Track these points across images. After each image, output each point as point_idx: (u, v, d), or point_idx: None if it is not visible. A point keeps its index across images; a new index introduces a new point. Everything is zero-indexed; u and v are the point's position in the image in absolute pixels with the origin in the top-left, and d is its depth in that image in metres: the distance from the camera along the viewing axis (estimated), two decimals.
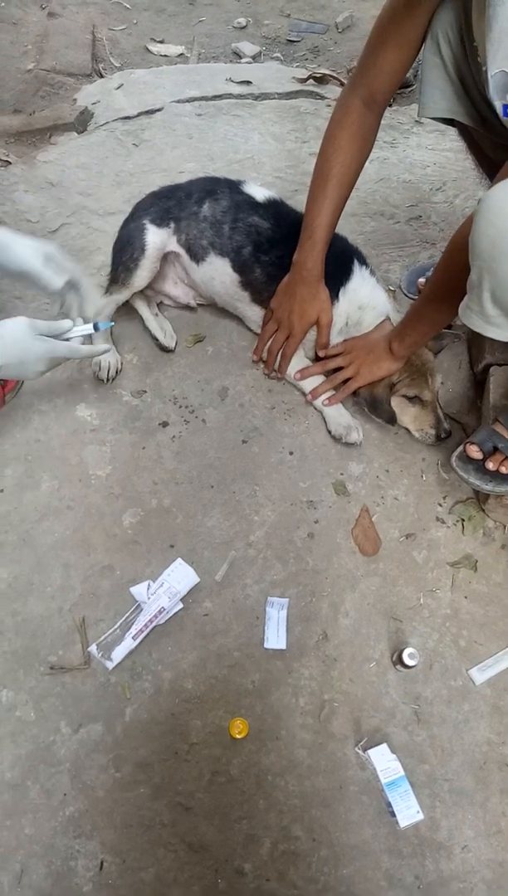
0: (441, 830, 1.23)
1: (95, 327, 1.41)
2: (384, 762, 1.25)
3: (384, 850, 1.21)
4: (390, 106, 2.48)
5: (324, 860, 1.20)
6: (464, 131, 1.51)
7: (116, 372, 1.72)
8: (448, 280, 1.22)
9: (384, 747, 1.26)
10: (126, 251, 1.66)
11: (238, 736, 1.29)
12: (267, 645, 1.38)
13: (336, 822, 1.23)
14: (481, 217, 1.02)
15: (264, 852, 1.20)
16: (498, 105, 1.21)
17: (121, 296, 1.69)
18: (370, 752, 1.26)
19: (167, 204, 1.70)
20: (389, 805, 1.22)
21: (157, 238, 1.65)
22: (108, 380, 1.70)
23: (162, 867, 1.19)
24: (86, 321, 1.42)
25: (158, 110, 2.47)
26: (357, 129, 1.44)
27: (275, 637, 1.39)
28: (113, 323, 1.55)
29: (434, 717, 1.33)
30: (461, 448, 1.47)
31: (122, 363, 1.74)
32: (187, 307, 1.84)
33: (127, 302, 1.77)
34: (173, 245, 1.69)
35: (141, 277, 1.66)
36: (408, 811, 1.21)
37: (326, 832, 1.22)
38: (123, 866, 1.18)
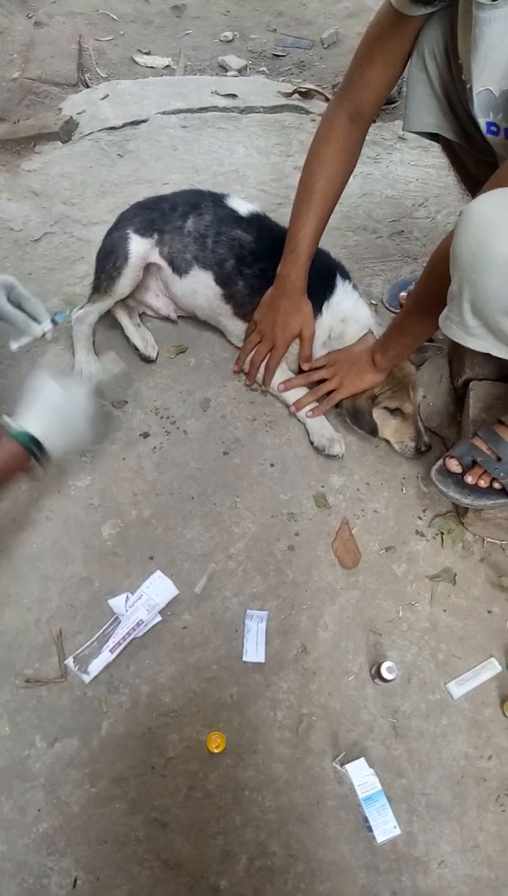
0: (419, 845, 1.22)
1: (54, 322, 1.44)
2: (362, 777, 1.24)
3: (361, 866, 1.20)
4: (374, 122, 2.52)
5: (301, 876, 1.19)
6: (448, 147, 1.54)
7: (99, 380, 1.71)
8: (430, 293, 1.23)
9: (361, 762, 1.26)
10: (109, 260, 1.66)
11: (216, 750, 1.28)
12: (246, 658, 1.38)
13: (313, 838, 1.22)
14: (462, 228, 1.03)
15: (240, 868, 1.19)
16: (482, 122, 1.23)
17: (103, 304, 1.70)
18: (348, 766, 1.25)
19: (151, 215, 1.70)
20: (366, 820, 1.22)
21: (140, 247, 1.65)
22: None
23: (136, 884, 1.17)
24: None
25: (144, 121, 2.48)
26: (343, 144, 1.46)
27: (254, 650, 1.38)
28: (67, 313, 1.56)
29: (412, 731, 1.33)
30: (440, 462, 1.48)
31: (102, 372, 1.73)
32: (168, 319, 1.84)
33: (109, 313, 1.77)
34: (156, 257, 1.69)
35: (123, 286, 1.66)
36: (385, 826, 1.21)
37: (303, 847, 1.21)
38: (97, 884, 1.16)
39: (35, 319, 1.43)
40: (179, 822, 1.22)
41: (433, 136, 1.48)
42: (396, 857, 1.21)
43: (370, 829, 1.21)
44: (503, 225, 0.98)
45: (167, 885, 1.17)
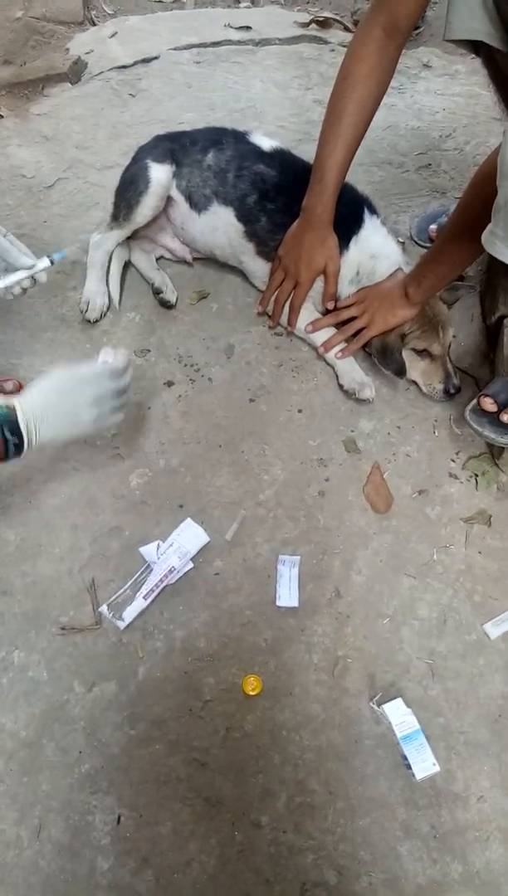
0: (457, 782, 1.23)
1: (51, 260, 1.38)
2: (399, 716, 1.24)
3: (400, 802, 1.21)
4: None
5: (340, 812, 1.20)
6: (489, 59, 1.43)
7: (103, 314, 1.69)
8: (470, 216, 1.16)
9: (398, 702, 1.26)
10: (129, 189, 1.63)
11: (252, 693, 1.28)
12: (279, 603, 1.37)
13: (352, 776, 1.23)
14: None
15: (280, 805, 1.21)
16: None
17: (122, 231, 1.67)
18: (385, 706, 1.25)
19: (171, 146, 1.65)
20: (404, 758, 1.22)
21: (162, 175, 1.61)
22: (95, 320, 1.68)
23: (179, 821, 1.19)
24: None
25: (155, 59, 2.37)
26: (376, 62, 1.36)
27: (287, 595, 1.37)
28: (66, 252, 1.44)
29: (449, 671, 1.32)
30: (475, 401, 1.43)
31: (109, 305, 1.71)
32: (184, 261, 1.78)
33: (127, 262, 1.73)
34: (173, 191, 1.64)
35: (142, 214, 1.63)
36: (424, 763, 1.21)
37: (342, 785, 1.22)
38: (140, 820, 1.19)
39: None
40: (218, 762, 1.24)
41: (474, 49, 1.38)
42: (435, 793, 1.22)
43: (408, 766, 1.21)
44: None
45: (209, 822, 1.19)
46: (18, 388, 1.52)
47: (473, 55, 1.48)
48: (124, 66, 2.34)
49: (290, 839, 1.18)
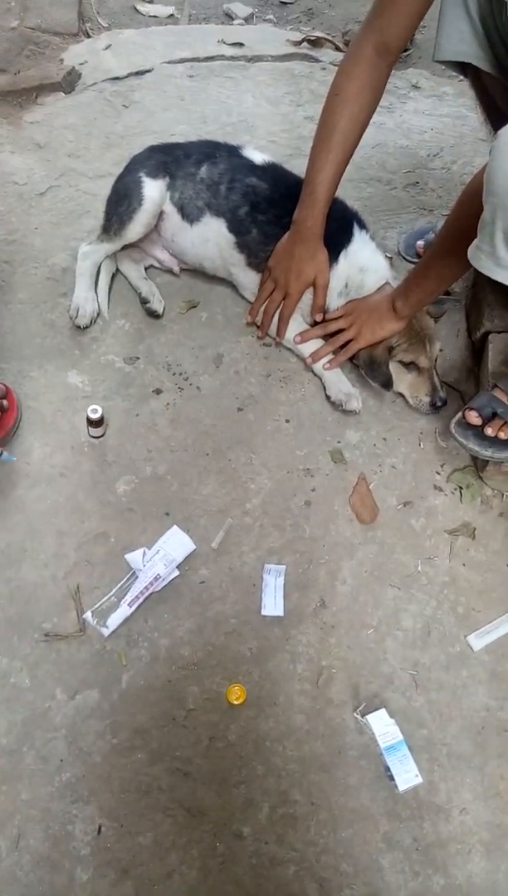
0: (440, 793, 1.23)
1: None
2: (383, 727, 1.24)
3: (383, 813, 1.21)
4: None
5: (323, 823, 1.20)
6: (476, 80, 1.47)
7: (93, 321, 1.69)
8: (458, 232, 1.18)
9: (382, 712, 1.26)
10: (122, 203, 1.62)
11: (236, 702, 1.28)
12: (264, 612, 1.37)
13: (335, 787, 1.23)
14: (498, 151, 0.98)
15: (262, 816, 1.20)
16: None
17: (111, 245, 1.66)
18: (369, 717, 1.25)
19: (165, 159, 1.66)
20: (387, 769, 1.22)
21: (155, 192, 1.61)
22: (85, 326, 1.68)
23: (160, 831, 1.18)
24: None
25: (148, 71, 2.39)
26: (367, 81, 1.39)
27: (272, 604, 1.37)
28: (14, 458, 1.48)
29: (433, 682, 1.33)
30: (460, 414, 1.45)
31: (100, 312, 1.70)
32: (171, 272, 1.79)
33: (116, 271, 1.74)
34: (166, 203, 1.64)
35: (134, 231, 1.63)
36: (407, 775, 1.21)
37: (324, 796, 1.22)
38: (121, 830, 1.17)
39: None
40: (201, 772, 1.23)
41: (462, 70, 1.41)
42: (417, 805, 1.22)
43: (391, 777, 1.21)
44: None
45: (191, 832, 1.18)
46: (6, 394, 1.51)
47: (461, 76, 1.52)
48: (118, 78, 2.35)
49: (272, 850, 1.17)
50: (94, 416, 1.48)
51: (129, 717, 1.26)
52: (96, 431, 1.52)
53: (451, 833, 1.20)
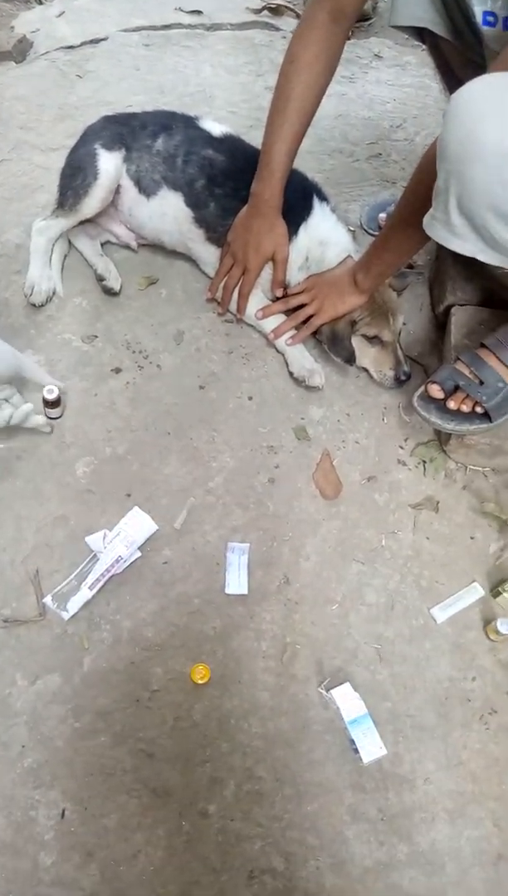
0: (404, 764, 1.24)
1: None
2: (347, 701, 1.24)
3: (348, 786, 1.22)
4: (348, 39, 2.38)
5: (288, 798, 1.20)
6: (434, 48, 1.44)
7: (49, 299, 1.64)
8: (416, 202, 1.16)
9: (346, 686, 1.26)
10: (77, 177, 1.57)
11: (200, 681, 1.27)
12: (228, 590, 1.36)
13: (300, 762, 1.23)
14: (450, 117, 0.96)
15: (228, 794, 1.20)
16: (478, 11, 1.15)
17: (67, 221, 1.61)
18: (333, 691, 1.25)
19: (120, 130, 1.61)
20: (352, 742, 1.22)
21: (111, 165, 1.56)
22: (41, 304, 1.64)
23: (125, 813, 1.17)
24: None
25: (103, 40, 2.32)
26: (323, 47, 1.35)
27: (236, 582, 1.36)
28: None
29: (396, 655, 1.33)
30: (422, 388, 1.44)
31: (56, 290, 1.66)
32: (128, 247, 1.75)
33: (70, 244, 1.69)
34: (122, 177, 1.60)
35: (90, 206, 1.57)
36: (371, 747, 1.22)
37: (289, 771, 1.22)
38: (85, 814, 1.16)
39: None
40: (165, 752, 1.22)
41: (420, 36, 1.38)
42: (382, 777, 1.23)
43: (356, 750, 1.22)
44: (493, 111, 0.91)
45: (156, 812, 1.17)
46: None
47: (420, 43, 1.49)
48: (71, 47, 2.28)
49: (238, 827, 1.17)
50: (50, 397, 1.44)
51: (91, 700, 1.25)
52: (54, 412, 1.49)
53: (415, 802, 1.21)
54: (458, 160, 0.96)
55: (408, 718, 1.28)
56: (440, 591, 1.40)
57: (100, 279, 1.66)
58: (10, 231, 1.77)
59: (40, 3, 2.58)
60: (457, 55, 1.36)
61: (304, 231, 1.55)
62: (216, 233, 1.60)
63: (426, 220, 1.08)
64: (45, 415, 1.49)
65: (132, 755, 1.21)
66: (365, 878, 1.15)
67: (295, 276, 1.59)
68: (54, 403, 1.46)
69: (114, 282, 1.67)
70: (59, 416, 1.51)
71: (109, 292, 1.67)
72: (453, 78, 1.47)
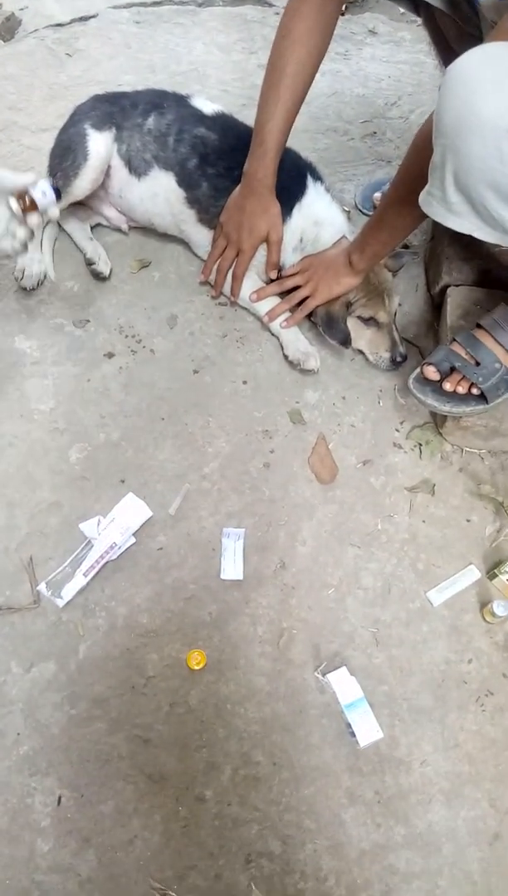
0: (401, 747, 1.24)
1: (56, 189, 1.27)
2: (344, 685, 1.24)
3: (345, 770, 1.21)
4: (342, 15, 2.33)
5: (285, 782, 1.20)
6: (430, 20, 1.41)
7: (40, 282, 1.62)
8: (412, 178, 1.14)
9: (343, 671, 1.26)
10: (66, 157, 1.53)
11: (196, 667, 1.26)
12: (224, 576, 1.35)
13: (297, 746, 1.23)
14: (446, 90, 0.93)
15: (224, 779, 1.20)
16: None
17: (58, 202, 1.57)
18: (330, 675, 1.25)
19: (111, 109, 1.57)
20: (349, 726, 1.22)
21: (101, 146, 1.53)
22: (32, 288, 1.61)
23: (121, 799, 1.17)
24: None
25: (93, 17, 2.27)
26: (315, 21, 1.32)
27: (232, 567, 1.35)
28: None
29: (393, 639, 1.33)
30: (418, 370, 1.42)
31: (46, 274, 1.62)
32: (119, 230, 1.72)
33: (60, 227, 1.66)
34: (113, 157, 1.56)
35: (80, 188, 1.54)
36: (368, 731, 1.22)
37: (286, 756, 1.22)
38: (82, 800, 1.16)
39: None
40: (161, 738, 1.22)
41: (415, 9, 1.35)
42: (379, 760, 1.23)
43: (352, 734, 1.22)
44: (490, 83, 0.88)
45: (153, 798, 1.17)
46: None
47: (415, 18, 1.46)
48: (61, 25, 2.23)
49: (235, 812, 1.17)
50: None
51: (87, 687, 1.24)
52: (33, 220, 1.26)
53: (412, 785, 1.21)
54: (455, 134, 0.93)
55: (405, 701, 1.28)
56: (437, 574, 1.39)
57: (89, 263, 1.64)
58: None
59: None
60: (453, 28, 1.33)
61: (298, 211, 1.52)
62: (209, 214, 1.57)
63: (422, 197, 1.06)
64: (22, 222, 1.26)
65: (128, 741, 1.21)
66: (362, 860, 1.15)
67: (289, 257, 1.56)
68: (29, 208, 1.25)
69: (103, 266, 1.64)
70: (47, 223, 1.38)
71: (99, 277, 1.65)
72: (449, 52, 1.44)
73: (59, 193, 1.27)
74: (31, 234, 1.29)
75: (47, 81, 2.07)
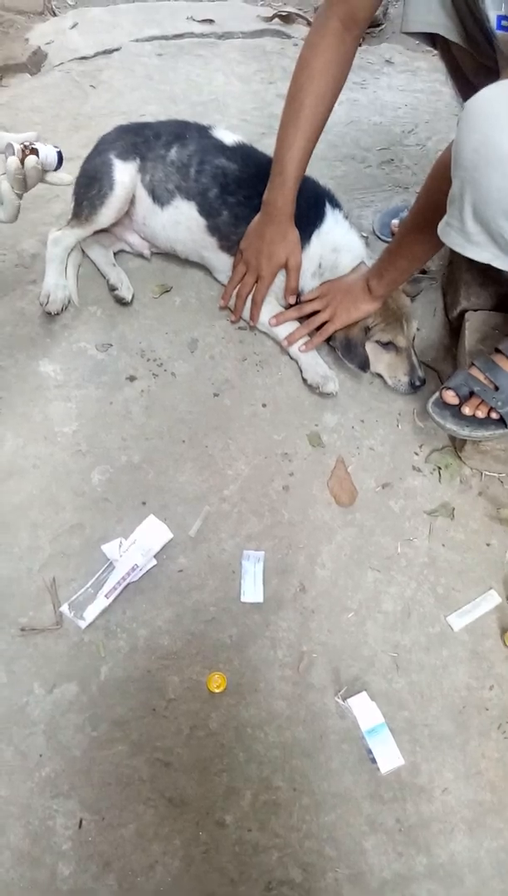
0: (422, 774, 1.23)
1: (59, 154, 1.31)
2: (364, 710, 1.24)
3: (366, 796, 1.21)
4: (360, 44, 2.39)
5: (305, 808, 1.19)
6: (446, 53, 1.44)
7: (64, 307, 1.65)
8: (429, 208, 1.16)
9: (363, 695, 1.25)
10: (93, 187, 1.58)
11: (216, 690, 1.27)
12: (244, 598, 1.36)
13: (317, 771, 1.22)
14: (464, 123, 0.96)
15: (244, 804, 1.19)
16: (493, 16, 1.14)
17: (82, 231, 1.62)
18: (350, 700, 1.25)
19: (135, 140, 1.62)
20: (369, 752, 1.22)
21: (126, 176, 1.57)
22: (56, 313, 1.64)
23: (142, 822, 1.17)
24: None
25: (116, 50, 2.34)
26: (334, 54, 1.36)
27: (252, 590, 1.36)
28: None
29: (413, 664, 1.32)
30: (437, 394, 1.43)
31: (70, 299, 1.66)
32: (141, 256, 1.76)
33: (84, 253, 1.70)
34: (137, 186, 1.61)
35: (106, 216, 1.59)
36: (389, 757, 1.21)
37: (307, 781, 1.21)
38: (103, 823, 1.16)
39: None
40: (182, 762, 1.22)
41: (432, 42, 1.38)
42: (400, 787, 1.22)
43: (373, 760, 1.21)
44: None
45: (173, 822, 1.17)
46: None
47: (431, 49, 1.49)
48: (85, 58, 2.31)
49: (255, 837, 1.17)
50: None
51: (108, 709, 1.25)
52: (30, 163, 1.24)
53: (433, 813, 1.20)
54: (473, 167, 0.95)
55: (425, 728, 1.27)
56: (457, 599, 1.39)
57: (112, 289, 1.67)
58: (25, 241, 1.79)
59: (54, 14, 2.62)
60: (469, 60, 1.36)
61: (317, 238, 1.55)
62: (229, 241, 1.60)
63: (440, 226, 1.08)
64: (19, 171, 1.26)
65: (149, 764, 1.21)
66: (384, 890, 1.14)
67: (308, 282, 1.59)
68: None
69: (126, 292, 1.67)
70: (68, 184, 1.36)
71: (121, 302, 1.68)
72: (465, 83, 1.47)
73: (61, 158, 1.30)
74: (25, 185, 1.27)
75: (72, 112, 2.13)
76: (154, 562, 1.38)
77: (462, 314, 1.61)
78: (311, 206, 1.55)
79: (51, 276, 1.65)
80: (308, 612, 1.36)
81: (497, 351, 1.40)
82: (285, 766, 1.22)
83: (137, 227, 1.71)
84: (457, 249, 1.07)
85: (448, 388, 1.41)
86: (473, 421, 1.39)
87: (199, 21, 2.49)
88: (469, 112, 0.96)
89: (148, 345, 1.66)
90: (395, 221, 1.80)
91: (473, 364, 1.43)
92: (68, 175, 1.34)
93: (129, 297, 1.68)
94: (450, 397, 1.41)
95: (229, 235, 1.59)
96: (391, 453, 1.55)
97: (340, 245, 1.56)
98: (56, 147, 1.29)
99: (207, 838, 1.16)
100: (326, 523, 1.45)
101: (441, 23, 1.29)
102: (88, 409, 1.56)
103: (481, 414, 1.38)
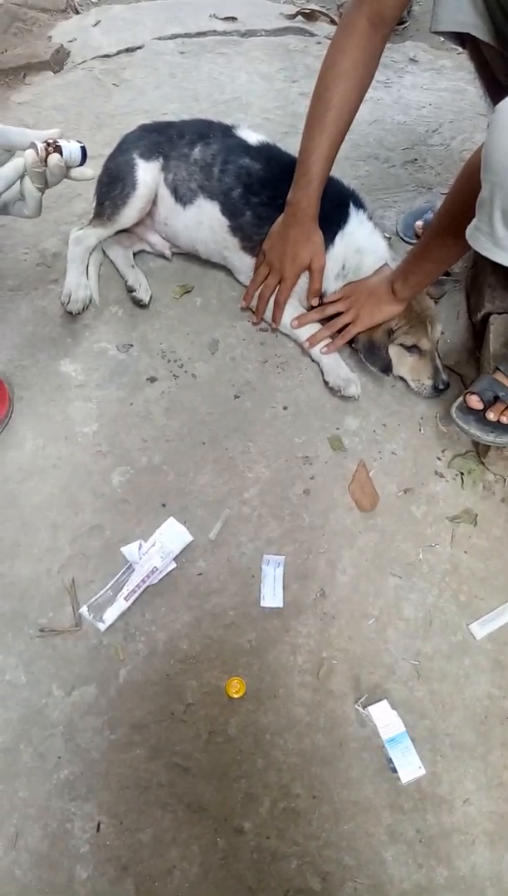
0: (443, 785, 1.21)
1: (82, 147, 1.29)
2: (385, 718, 1.22)
3: (386, 806, 1.19)
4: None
5: (325, 817, 1.18)
6: (475, 52, 1.41)
7: (85, 307, 1.64)
8: (457, 212, 1.14)
9: (384, 703, 1.24)
10: (115, 186, 1.57)
11: (235, 695, 1.26)
12: (263, 603, 1.35)
13: (337, 779, 1.21)
14: (495, 126, 0.94)
15: (263, 810, 1.18)
16: None
17: (104, 230, 1.62)
18: (370, 708, 1.24)
19: (158, 139, 1.61)
20: (390, 761, 1.20)
21: (149, 175, 1.57)
22: (77, 313, 1.64)
23: (160, 828, 1.16)
24: None
25: (139, 48, 2.33)
26: (361, 54, 1.34)
27: (271, 595, 1.35)
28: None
29: (435, 672, 1.31)
30: (461, 399, 1.41)
31: (92, 299, 1.66)
32: (162, 256, 1.75)
33: (105, 253, 1.70)
34: (160, 185, 1.60)
35: (128, 216, 1.58)
36: (409, 766, 1.19)
37: (326, 789, 1.20)
38: (121, 827, 1.16)
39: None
40: (200, 767, 1.21)
41: (461, 41, 1.36)
42: (420, 797, 1.20)
43: (394, 769, 1.20)
44: None
45: (191, 828, 1.17)
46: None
47: (459, 48, 1.47)
48: (108, 56, 2.30)
49: (274, 845, 1.16)
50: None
51: (127, 712, 1.24)
52: (53, 160, 1.23)
53: (454, 824, 1.19)
54: (504, 171, 0.93)
55: (447, 737, 1.25)
56: (480, 607, 1.37)
57: (130, 290, 1.67)
58: (47, 240, 1.79)
59: (77, 12, 2.61)
60: (499, 59, 1.33)
61: (340, 239, 1.53)
62: (252, 242, 1.59)
63: (469, 231, 1.06)
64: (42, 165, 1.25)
65: (167, 769, 1.21)
66: None
67: (332, 284, 1.57)
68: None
69: (144, 294, 1.66)
70: (90, 179, 1.33)
71: (139, 304, 1.67)
72: (493, 82, 1.44)
73: (84, 153, 1.28)
74: (45, 179, 1.26)
75: (94, 110, 2.12)
76: (174, 564, 1.37)
77: (486, 317, 1.58)
78: (335, 207, 1.53)
79: (72, 275, 1.64)
80: (328, 618, 1.34)
81: None
82: (304, 773, 1.21)
83: (158, 226, 1.70)
84: (486, 254, 1.05)
85: (473, 393, 1.39)
86: (497, 426, 1.37)
87: (221, 19, 2.48)
88: (500, 116, 0.94)
89: (169, 345, 1.65)
90: (419, 223, 1.77)
91: (497, 368, 1.41)
92: (90, 170, 1.33)
93: (146, 300, 1.67)
94: (474, 402, 1.39)
95: (251, 236, 1.58)
96: (413, 458, 1.53)
97: (364, 247, 1.54)
98: (80, 142, 1.29)
99: (225, 845, 1.16)
100: (347, 528, 1.44)
101: (472, 22, 1.26)
102: (108, 410, 1.55)
103: (505, 419, 1.36)
